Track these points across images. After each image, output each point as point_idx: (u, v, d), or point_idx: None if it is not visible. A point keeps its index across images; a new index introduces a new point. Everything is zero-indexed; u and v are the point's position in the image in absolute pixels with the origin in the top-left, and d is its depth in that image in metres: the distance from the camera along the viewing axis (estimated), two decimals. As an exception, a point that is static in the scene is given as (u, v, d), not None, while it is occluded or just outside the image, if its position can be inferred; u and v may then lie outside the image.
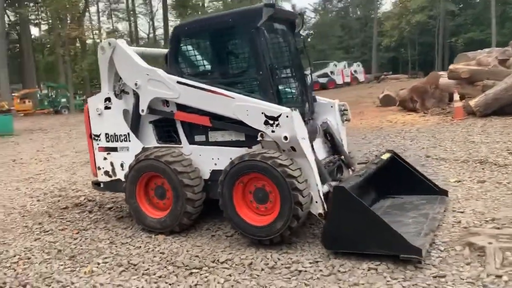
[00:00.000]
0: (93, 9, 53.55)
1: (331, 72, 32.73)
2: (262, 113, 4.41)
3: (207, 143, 5.00)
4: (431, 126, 11.39)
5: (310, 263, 3.97)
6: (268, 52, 4.61)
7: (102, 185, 5.65)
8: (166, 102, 5.08)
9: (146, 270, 4.10)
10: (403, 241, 3.70)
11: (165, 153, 4.86)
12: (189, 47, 5.03)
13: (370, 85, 31.62)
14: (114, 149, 5.45)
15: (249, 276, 3.84)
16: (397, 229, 4.29)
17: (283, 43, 5.11)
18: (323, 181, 4.49)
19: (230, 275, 3.88)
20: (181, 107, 4.98)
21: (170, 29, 37.05)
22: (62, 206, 6.45)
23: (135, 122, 5.26)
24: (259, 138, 4.51)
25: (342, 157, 5.26)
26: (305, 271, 3.83)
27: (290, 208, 4.15)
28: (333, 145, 5.30)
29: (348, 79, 33.96)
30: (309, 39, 68.81)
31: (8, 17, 48.77)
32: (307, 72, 5.40)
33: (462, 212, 4.89)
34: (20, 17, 43.40)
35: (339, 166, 5.22)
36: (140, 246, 4.71)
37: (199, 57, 5.09)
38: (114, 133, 5.41)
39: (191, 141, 5.08)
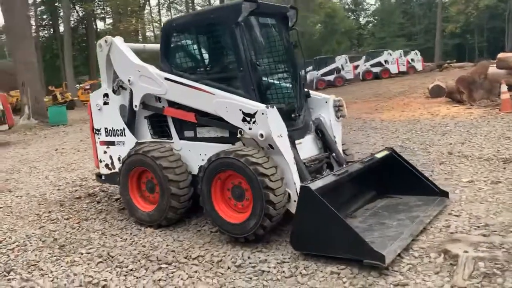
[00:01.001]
0: (153, 1, 55.22)
1: (385, 61, 31.47)
2: (240, 110, 4.37)
3: (195, 139, 5.04)
4: (473, 119, 10.69)
5: (278, 263, 3.91)
6: (248, 48, 4.54)
7: (103, 177, 5.89)
8: (158, 98, 5.17)
9: (120, 262, 4.23)
10: (366, 247, 3.54)
11: (153, 149, 4.96)
12: (178, 43, 5.07)
13: (427, 75, 30.11)
14: (112, 143, 5.65)
15: (213, 274, 3.85)
16: (375, 232, 4.18)
17: (272, 38, 5.01)
18: (303, 180, 4.38)
19: (196, 271, 3.91)
20: (171, 103, 5.05)
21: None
22: (76, 196, 6.80)
23: (130, 117, 5.40)
24: (238, 135, 4.48)
25: (333, 154, 5.08)
26: (269, 271, 3.77)
27: (262, 207, 4.09)
28: (324, 142, 5.13)
29: (404, 68, 32.53)
30: (369, 26, 66.93)
31: (77, 12, 51.67)
32: (300, 67, 5.27)
33: (457, 216, 4.58)
34: (86, 12, 45.84)
35: (329, 163, 5.05)
36: (127, 239, 4.86)
37: (186, 53, 5.11)
38: (112, 128, 5.60)
39: (181, 137, 5.14)
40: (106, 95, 5.59)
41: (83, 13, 50.30)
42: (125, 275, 3.98)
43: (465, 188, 5.48)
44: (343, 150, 5.42)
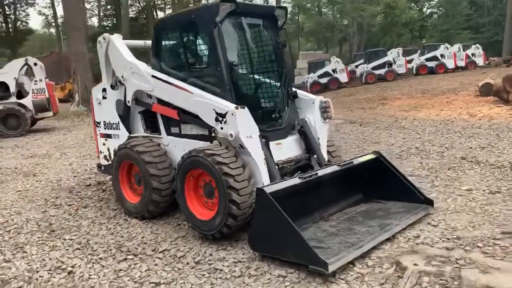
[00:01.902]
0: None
1: (441, 56, 29.87)
2: (213, 109, 4.45)
3: (180, 135, 5.18)
4: (510, 122, 10.06)
5: (234, 262, 3.97)
6: (226, 48, 4.59)
7: (102, 168, 6.20)
8: (149, 94, 5.36)
9: (94, 250, 4.48)
10: (311, 253, 3.52)
11: (139, 143, 5.16)
12: (166, 42, 5.20)
13: (487, 70, 28.35)
14: (110, 136, 5.94)
15: (171, 268, 3.98)
16: (338, 237, 4.13)
17: (256, 38, 5.02)
18: (273, 181, 4.39)
19: (156, 265, 4.07)
20: (159, 100, 5.21)
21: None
22: (87, 184, 7.20)
23: (124, 111, 5.64)
24: (213, 134, 4.57)
25: (315, 156, 5.03)
26: (221, 270, 3.85)
27: (225, 206, 4.17)
28: (306, 143, 5.08)
29: (462, 63, 30.80)
30: (432, 17, 63.79)
31: (139, 2, 53.64)
32: (288, 66, 5.24)
33: (434, 226, 4.41)
34: (147, 1, 47.48)
35: (308, 165, 5.00)
36: (110, 228, 5.12)
37: (173, 52, 5.23)
38: (109, 121, 5.88)
39: (169, 133, 5.30)
40: (104, 90, 5.87)
41: (143, 3, 52.14)
42: (93, 263, 4.21)
43: (459, 197, 5.23)
44: (330, 152, 5.34)
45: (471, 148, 7.73)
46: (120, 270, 4.01)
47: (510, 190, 5.31)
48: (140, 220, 5.24)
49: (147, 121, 5.61)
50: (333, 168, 4.62)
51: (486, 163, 6.62)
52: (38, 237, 4.96)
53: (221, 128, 4.40)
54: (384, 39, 54.06)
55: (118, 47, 5.50)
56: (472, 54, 32.43)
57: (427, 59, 30.37)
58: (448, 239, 4.04)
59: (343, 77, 30.37)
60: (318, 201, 4.72)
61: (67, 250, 4.56)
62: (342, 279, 3.51)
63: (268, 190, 3.83)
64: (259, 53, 5.06)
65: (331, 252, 3.79)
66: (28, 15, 61.58)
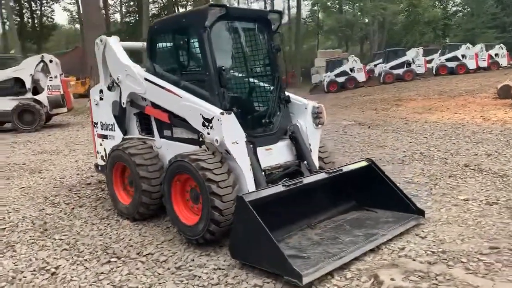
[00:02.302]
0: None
1: (463, 56, 29.22)
2: (200, 114, 4.45)
3: (172, 138, 5.19)
4: (524, 127, 9.80)
5: (213, 269, 3.96)
6: (214, 53, 4.56)
7: (99, 168, 6.27)
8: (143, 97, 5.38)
9: (80, 252, 4.54)
10: (287, 264, 3.48)
11: (131, 145, 5.20)
12: (159, 45, 5.21)
13: (507, 72, 27.60)
14: (106, 137, 5.99)
15: (151, 273, 3.99)
16: (320, 247, 4.08)
17: (247, 42, 4.98)
18: (258, 187, 4.36)
19: (138, 268, 4.09)
20: (152, 103, 5.23)
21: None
22: (87, 182, 7.30)
23: (120, 113, 5.68)
24: (200, 139, 4.56)
25: (305, 162, 4.97)
26: (200, 277, 3.85)
27: (208, 212, 4.16)
28: (297, 149, 5.03)
29: (484, 64, 30.07)
30: (457, 16, 62.38)
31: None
32: (281, 71, 5.19)
33: (422, 238, 4.31)
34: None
35: (298, 171, 4.94)
36: (101, 229, 5.17)
37: (166, 55, 5.23)
38: (106, 122, 5.93)
39: (161, 135, 5.32)
40: (101, 91, 5.92)
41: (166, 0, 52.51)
42: (77, 265, 4.26)
43: (454, 207, 5.11)
44: (323, 158, 5.28)
45: (476, 155, 7.54)
46: (102, 273, 4.05)
47: (508, 201, 5.16)
48: (131, 222, 5.28)
49: (142, 123, 5.64)
50: (321, 176, 4.57)
51: (489, 171, 6.44)
52: (30, 236, 5.05)
53: (208, 133, 4.40)
54: (406, 38, 53.18)
55: (114, 49, 5.54)
56: (496, 55, 31.68)
57: (448, 59, 29.73)
58: (433, 252, 3.94)
59: (360, 77, 30.04)
60: (305, 208, 4.66)
61: (55, 250, 4.63)
62: (318, 291, 3.47)
63: (248, 198, 3.80)
64: (250, 57, 5.02)
65: (310, 263, 3.75)
66: (53, 11, 62.84)
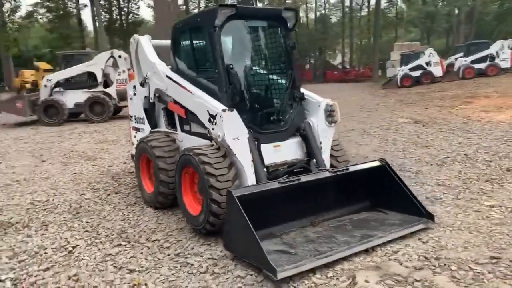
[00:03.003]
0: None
1: (495, 54, 26.48)
2: (207, 110, 4.65)
3: (190, 132, 5.46)
4: None
5: (208, 258, 4.16)
6: (223, 52, 4.72)
7: (134, 158, 6.71)
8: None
9: (99, 234, 4.96)
10: (264, 258, 3.58)
11: (154, 138, 5.54)
12: (180, 43, 5.48)
13: None
14: (138, 130, 6.41)
15: (152, 258, 4.27)
16: (312, 244, 4.12)
17: (260, 41, 5.07)
18: (259, 182, 4.48)
19: (141, 253, 4.40)
20: (174, 99, 5.53)
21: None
22: (131, 171, 7.82)
23: (149, 108, 6.06)
24: (208, 134, 4.77)
25: (314, 160, 4.98)
26: (192, 264, 4.06)
27: (207, 204, 4.36)
28: (307, 147, 5.05)
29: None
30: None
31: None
32: (296, 68, 5.22)
33: (423, 243, 4.18)
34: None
35: (307, 169, 4.95)
36: (125, 214, 5.58)
37: (186, 53, 5.47)
38: (138, 116, 6.35)
39: (182, 130, 5.61)
40: (135, 86, 6.34)
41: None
42: (93, 245, 4.67)
43: (474, 213, 4.85)
44: (336, 157, 5.25)
45: (523, 158, 7.00)
46: (110, 254, 4.41)
47: (537, 210, 4.79)
48: (153, 209, 5.64)
49: (168, 118, 5.97)
50: (322, 175, 4.57)
51: (532, 177, 5.98)
52: (64, 217, 5.59)
53: (213, 129, 4.59)
54: (499, 29, 49.21)
55: (144, 48, 5.90)
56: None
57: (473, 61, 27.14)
58: (426, 258, 3.82)
59: (437, 71, 28.38)
60: (309, 206, 4.70)
61: (78, 231, 5.09)
62: (294, 287, 3.53)
63: (236, 193, 3.94)
64: (262, 55, 5.12)
65: (294, 259, 3.81)
66: (139, 7, 66.43)
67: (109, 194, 6.51)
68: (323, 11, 62.43)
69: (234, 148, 4.44)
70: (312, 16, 61.95)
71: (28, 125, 15.43)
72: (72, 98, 15.57)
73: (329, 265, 3.80)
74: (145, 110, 6.13)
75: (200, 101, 4.76)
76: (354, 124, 12.13)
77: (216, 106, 4.55)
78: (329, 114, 5.14)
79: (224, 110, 4.42)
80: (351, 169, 4.74)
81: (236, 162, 4.51)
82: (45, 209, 5.97)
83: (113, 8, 57.55)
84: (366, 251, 4.05)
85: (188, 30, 5.26)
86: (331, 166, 5.15)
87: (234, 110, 4.48)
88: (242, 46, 5.04)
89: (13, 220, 5.52)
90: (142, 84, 6.17)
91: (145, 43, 5.99)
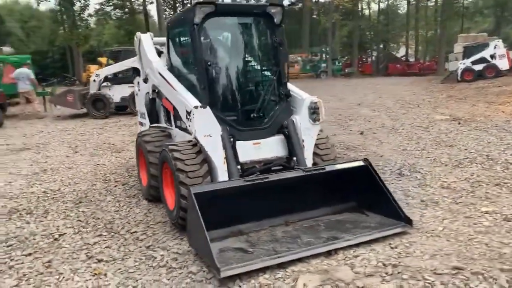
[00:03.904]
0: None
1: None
2: (184, 107, 4.73)
3: (181, 128, 5.56)
4: None
5: (173, 253, 4.23)
6: (202, 49, 4.75)
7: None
8: (162, 89, 5.83)
9: (88, 223, 5.20)
10: (210, 256, 3.59)
11: (147, 133, 5.71)
12: (171, 40, 5.57)
13: None
14: (142, 124, 6.62)
15: (124, 249, 4.43)
16: (273, 244, 4.09)
17: (243, 37, 5.04)
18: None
19: (116, 244, 4.57)
20: (167, 94, 5.66)
21: None
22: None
23: (149, 103, 6.24)
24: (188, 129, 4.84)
25: (294, 158, 4.89)
26: (156, 258, 4.15)
27: (178, 200, 4.45)
28: (289, 145, 4.96)
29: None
30: None
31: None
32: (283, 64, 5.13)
33: (391, 248, 4.00)
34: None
35: (287, 167, 4.86)
36: (121, 206, 5.79)
37: (176, 50, 5.56)
38: (141, 111, 6.56)
39: (176, 125, 5.73)
40: (138, 83, 6.55)
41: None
42: (78, 234, 4.92)
43: (464, 219, 4.56)
44: (321, 155, 5.12)
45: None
46: (88, 244, 4.63)
47: (534, 218, 4.40)
48: (147, 202, 5.82)
49: (166, 113, 6.11)
50: (293, 173, 4.48)
51: (547, 182, 5.47)
52: (66, 207, 5.91)
53: (189, 126, 4.65)
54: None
55: (145, 46, 6.08)
56: None
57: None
58: (384, 264, 3.65)
59: (502, 64, 26.43)
60: (283, 205, 4.62)
61: (72, 220, 5.36)
62: (239, 286, 3.52)
63: (196, 190, 3.97)
64: (247, 52, 5.08)
65: (247, 258, 3.81)
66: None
67: (116, 186, 6.79)
68: (386, 2, 60.19)
69: (206, 145, 4.48)
70: (375, 7, 60.01)
71: (79, 117, 16.38)
72: (119, 92, 16.29)
73: (284, 266, 3.74)
74: (146, 105, 6.32)
75: (180, 98, 4.85)
76: (387, 120, 11.69)
77: (191, 102, 4.61)
78: (313, 111, 5.01)
79: (196, 107, 4.47)
80: (328, 168, 4.60)
81: (209, 159, 4.54)
82: (53, 197, 6.34)
83: (177, 5, 59.31)
84: (329, 253, 3.94)
85: (176, 27, 5.35)
86: (315, 164, 5.04)
87: (207, 107, 4.51)
88: (226, 43, 5.05)
89: (21, 207, 5.93)
90: (145, 81, 6.36)
91: (146, 41, 6.16)
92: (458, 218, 4.61)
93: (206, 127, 4.48)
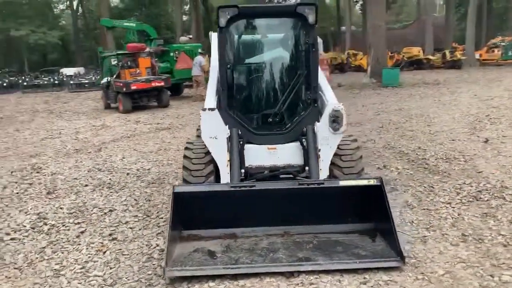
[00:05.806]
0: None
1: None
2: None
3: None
4: None
5: (152, 248, 4.35)
6: (223, 52, 4.80)
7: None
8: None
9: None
10: (165, 255, 3.69)
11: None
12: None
13: None
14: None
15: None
16: (243, 255, 4.00)
17: (269, 40, 4.93)
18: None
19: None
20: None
21: None
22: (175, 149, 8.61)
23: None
24: None
25: (306, 168, 4.63)
26: (155, 258, 4.17)
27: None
28: (304, 153, 4.72)
29: None
30: None
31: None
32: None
33: (361, 283, 3.54)
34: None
35: (295, 176, 4.64)
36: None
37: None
38: None
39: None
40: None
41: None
42: (125, 211, 5.39)
43: (470, 247, 3.78)
44: (342, 168, 4.73)
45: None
46: (120, 222, 5.13)
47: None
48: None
49: None
50: (285, 185, 4.26)
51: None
52: (140, 185, 6.34)
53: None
54: None
55: (212, 43, 6.13)
56: None
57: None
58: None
59: None
60: (280, 215, 4.39)
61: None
62: (186, 288, 3.55)
63: (178, 189, 4.08)
64: (272, 54, 4.99)
65: (204, 263, 3.83)
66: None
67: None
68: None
69: (210, 147, 4.60)
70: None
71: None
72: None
73: (240, 277, 3.65)
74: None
75: (205, 98, 5.04)
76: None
77: (205, 104, 4.76)
78: (334, 119, 4.62)
79: (204, 109, 4.61)
80: (327, 184, 4.25)
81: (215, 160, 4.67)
82: (139, 176, 6.84)
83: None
84: (292, 274, 3.70)
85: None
86: (334, 177, 4.70)
87: (216, 110, 4.59)
88: (253, 45, 5.02)
89: (109, 181, 6.65)
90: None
91: (214, 39, 6.42)
92: (462, 245, 3.77)
93: (212, 129, 4.57)
